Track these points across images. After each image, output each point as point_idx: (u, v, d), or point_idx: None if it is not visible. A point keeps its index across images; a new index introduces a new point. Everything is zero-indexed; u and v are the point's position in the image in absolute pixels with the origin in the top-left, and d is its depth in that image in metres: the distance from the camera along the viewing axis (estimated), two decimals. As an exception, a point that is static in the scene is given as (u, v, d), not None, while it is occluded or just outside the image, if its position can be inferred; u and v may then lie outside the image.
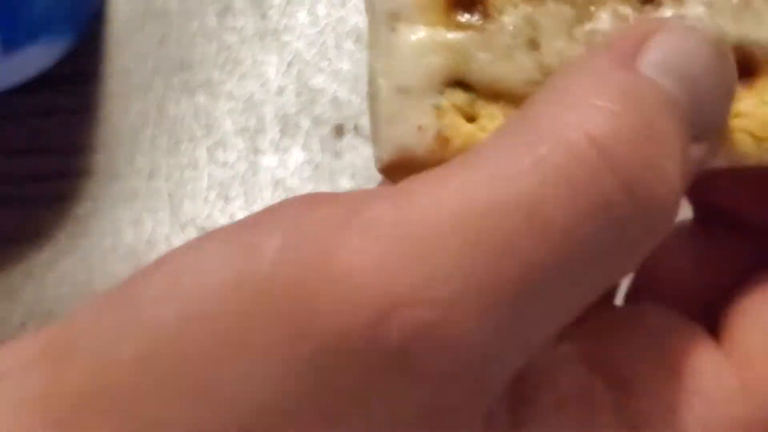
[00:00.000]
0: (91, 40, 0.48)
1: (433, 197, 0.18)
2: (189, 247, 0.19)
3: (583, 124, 0.19)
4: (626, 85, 0.20)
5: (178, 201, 0.45)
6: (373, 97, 0.23)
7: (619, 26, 0.22)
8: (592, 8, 0.22)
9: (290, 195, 0.45)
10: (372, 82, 0.23)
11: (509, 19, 0.22)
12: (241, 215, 0.44)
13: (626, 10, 0.22)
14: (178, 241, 0.44)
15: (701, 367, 0.21)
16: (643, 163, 0.19)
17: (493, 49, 0.23)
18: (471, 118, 0.22)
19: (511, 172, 0.18)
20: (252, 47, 0.46)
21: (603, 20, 0.22)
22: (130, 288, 0.19)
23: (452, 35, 0.22)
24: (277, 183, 0.45)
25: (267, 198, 0.44)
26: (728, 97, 0.21)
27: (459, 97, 0.22)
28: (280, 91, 0.45)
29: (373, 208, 0.18)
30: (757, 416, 0.20)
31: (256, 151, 0.45)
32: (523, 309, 0.18)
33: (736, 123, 0.22)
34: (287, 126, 0.45)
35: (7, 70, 0.46)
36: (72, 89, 0.47)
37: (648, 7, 0.22)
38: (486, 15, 0.23)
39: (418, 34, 0.22)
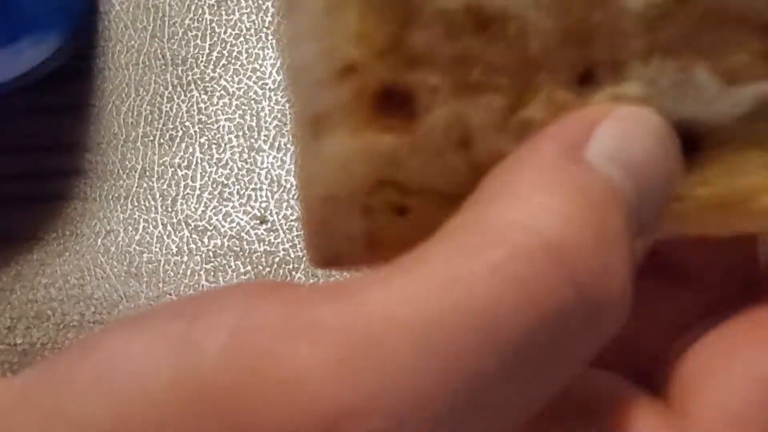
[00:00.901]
0: (83, 36, 0.47)
1: (381, 302, 0.18)
2: (126, 331, 0.18)
3: (536, 225, 0.18)
4: (575, 180, 0.19)
5: (171, 200, 0.45)
6: (300, 202, 0.22)
7: (556, 112, 0.21)
8: (526, 95, 0.21)
9: (287, 194, 0.45)
10: (299, 188, 0.22)
11: (438, 118, 0.21)
12: (235, 215, 0.44)
13: (562, 95, 0.21)
14: (170, 241, 0.44)
15: None
16: (597, 267, 0.19)
17: (422, 152, 0.21)
18: (402, 210, 0.22)
19: (462, 277, 0.18)
20: (248, 42, 0.46)
21: (538, 107, 0.21)
22: (59, 373, 0.18)
23: (378, 141, 0.21)
24: (273, 181, 0.44)
25: (263, 197, 0.44)
26: (672, 185, 0.21)
27: (389, 195, 0.22)
28: (278, 87, 0.45)
29: (320, 310, 0.18)
30: None
31: (252, 148, 0.45)
32: (474, 417, 0.18)
33: (677, 206, 0.22)
34: (284, 123, 0.45)
35: None
36: (63, 87, 0.47)
37: (586, 89, 0.21)
38: (413, 114, 0.21)
39: (342, 142, 0.21)
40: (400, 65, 0.21)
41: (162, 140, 0.46)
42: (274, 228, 0.44)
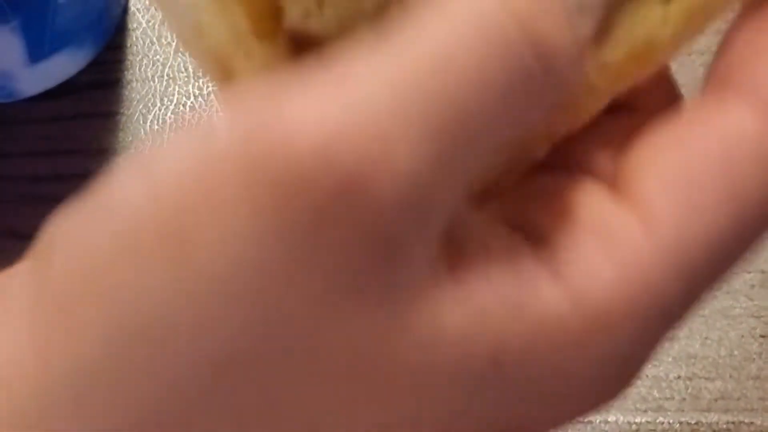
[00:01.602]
0: (112, 50, 0.50)
1: (370, 62, 0.19)
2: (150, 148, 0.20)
3: None
4: None
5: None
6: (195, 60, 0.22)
7: None
8: None
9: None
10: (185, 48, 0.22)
11: None
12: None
13: None
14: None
15: (610, 221, 0.21)
16: (543, 14, 0.20)
17: None
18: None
19: (450, 45, 0.19)
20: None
21: None
22: (99, 186, 0.20)
23: None
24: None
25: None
26: None
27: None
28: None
29: (311, 81, 0.19)
30: (663, 257, 0.21)
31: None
32: (455, 144, 0.19)
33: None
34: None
35: (34, 78, 0.48)
36: (94, 95, 0.50)
37: None
38: None
39: None
40: None
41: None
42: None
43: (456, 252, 0.20)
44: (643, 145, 0.22)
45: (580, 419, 0.22)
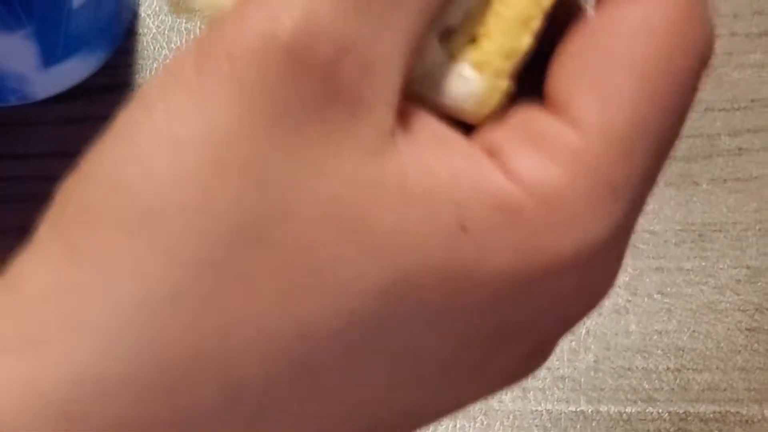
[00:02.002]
0: (123, 54, 0.50)
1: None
2: None
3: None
4: None
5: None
6: None
7: None
8: None
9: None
10: None
11: None
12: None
13: None
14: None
15: (548, 131, 0.22)
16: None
17: None
18: None
19: None
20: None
21: None
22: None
23: None
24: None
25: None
26: None
27: None
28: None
29: None
30: (596, 149, 0.21)
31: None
32: (383, 3, 0.20)
33: None
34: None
35: (47, 82, 0.48)
36: (105, 98, 0.50)
37: None
38: None
39: None
40: None
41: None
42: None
43: (419, 130, 0.21)
44: (561, 59, 0.23)
45: (574, 327, 0.23)
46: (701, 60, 0.23)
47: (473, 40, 0.23)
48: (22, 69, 0.47)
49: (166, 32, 0.51)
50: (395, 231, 0.20)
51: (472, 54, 0.23)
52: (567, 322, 0.23)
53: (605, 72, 0.22)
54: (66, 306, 0.20)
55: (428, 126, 0.22)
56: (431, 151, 0.21)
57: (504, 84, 0.23)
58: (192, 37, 0.49)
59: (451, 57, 0.23)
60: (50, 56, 0.47)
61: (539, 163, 0.21)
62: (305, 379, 0.21)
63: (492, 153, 0.22)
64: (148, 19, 0.51)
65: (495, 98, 0.22)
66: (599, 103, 0.22)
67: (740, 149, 0.53)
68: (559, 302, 0.22)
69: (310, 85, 0.20)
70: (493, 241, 0.21)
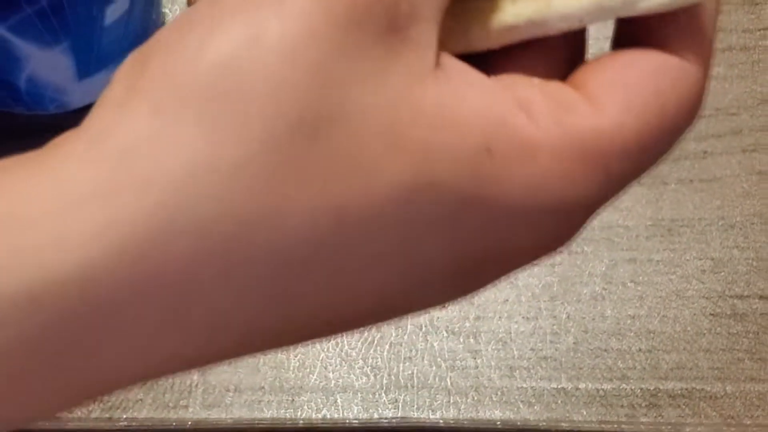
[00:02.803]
0: None
1: None
2: None
3: None
4: None
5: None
6: None
7: None
8: None
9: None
10: None
11: None
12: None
13: None
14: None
15: (566, 95, 0.24)
16: None
17: None
18: None
19: None
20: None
21: None
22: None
23: None
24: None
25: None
26: None
27: None
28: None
29: None
30: (604, 122, 0.23)
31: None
32: None
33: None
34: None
35: (81, 92, 0.51)
36: None
37: None
38: None
39: None
40: None
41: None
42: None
43: (453, 71, 0.23)
44: (584, 67, 0.24)
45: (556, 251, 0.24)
46: (691, 113, 0.25)
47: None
48: (60, 80, 0.49)
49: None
50: (429, 142, 0.22)
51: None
52: (531, 255, 0.25)
53: (625, 72, 0.24)
54: (149, 156, 0.21)
55: (462, 69, 0.23)
56: (464, 88, 0.23)
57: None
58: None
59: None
60: (84, 69, 0.49)
61: (555, 117, 0.23)
62: (336, 260, 0.22)
63: (517, 99, 0.23)
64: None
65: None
66: (618, 91, 0.23)
67: (705, 153, 0.55)
68: (535, 237, 0.24)
69: (378, 14, 0.21)
70: (511, 167, 0.22)
